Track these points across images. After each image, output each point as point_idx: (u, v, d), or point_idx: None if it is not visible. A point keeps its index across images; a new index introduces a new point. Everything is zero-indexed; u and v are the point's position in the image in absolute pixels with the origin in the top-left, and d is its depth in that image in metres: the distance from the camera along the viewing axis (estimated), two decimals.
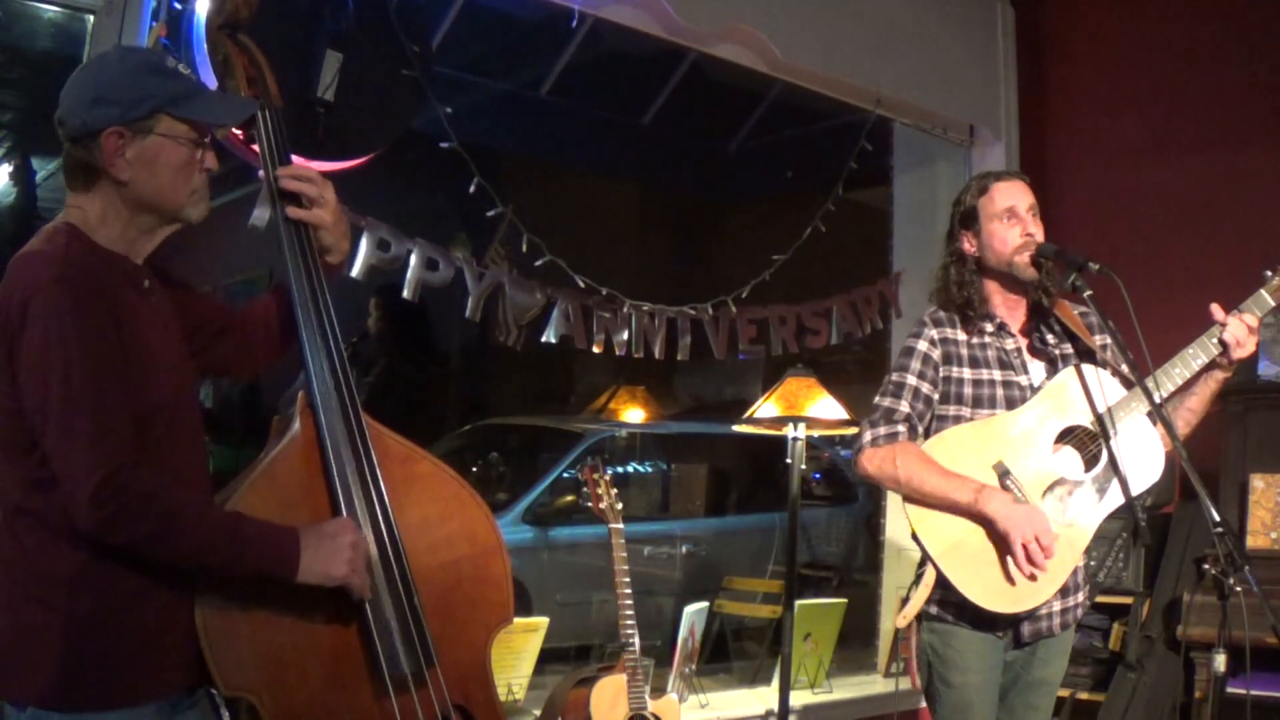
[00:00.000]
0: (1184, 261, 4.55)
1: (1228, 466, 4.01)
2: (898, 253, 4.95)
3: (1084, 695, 4.15)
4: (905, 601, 2.68)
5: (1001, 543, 2.51)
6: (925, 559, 2.61)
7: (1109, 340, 2.70)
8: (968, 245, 2.72)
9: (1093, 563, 4.26)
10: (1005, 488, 2.52)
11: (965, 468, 2.57)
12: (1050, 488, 2.56)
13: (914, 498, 2.58)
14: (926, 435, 2.68)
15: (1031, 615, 2.60)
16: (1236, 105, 4.60)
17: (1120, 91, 4.97)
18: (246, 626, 1.82)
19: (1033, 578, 2.49)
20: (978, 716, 2.59)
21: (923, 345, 2.68)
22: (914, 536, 2.61)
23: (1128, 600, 4.19)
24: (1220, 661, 2.36)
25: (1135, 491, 2.55)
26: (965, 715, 2.59)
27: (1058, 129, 5.13)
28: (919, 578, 2.64)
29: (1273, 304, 2.57)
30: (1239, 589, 2.25)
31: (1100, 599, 4.23)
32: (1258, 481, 3.89)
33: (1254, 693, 3.08)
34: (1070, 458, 2.61)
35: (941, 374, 2.67)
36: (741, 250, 7.71)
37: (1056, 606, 2.63)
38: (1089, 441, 2.59)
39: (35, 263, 1.73)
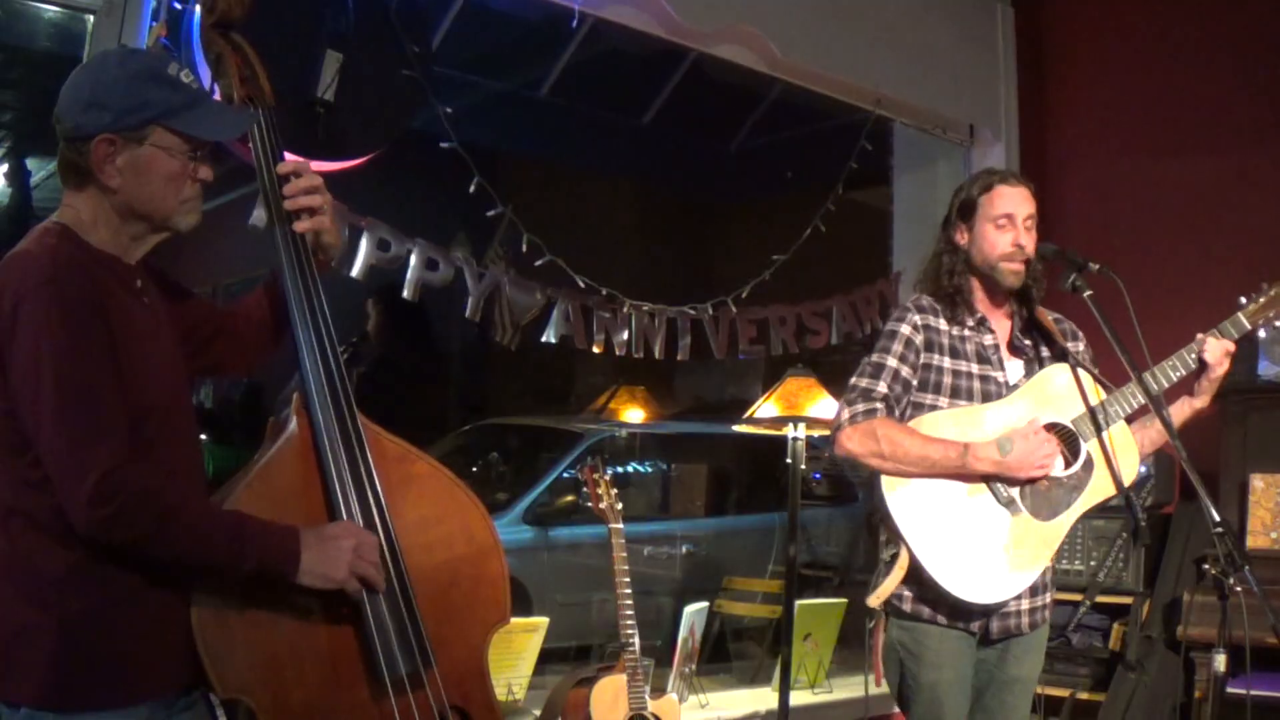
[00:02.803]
0: (1184, 261, 4.55)
1: (1228, 466, 4.00)
2: (898, 253, 4.94)
3: (1084, 695, 4.14)
4: (877, 584, 2.63)
5: (984, 523, 2.51)
6: (898, 541, 2.56)
7: (1080, 347, 2.72)
8: (960, 237, 2.73)
9: (1093, 563, 4.26)
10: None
11: None
12: (1028, 481, 2.56)
13: (897, 470, 2.53)
14: (902, 421, 2.64)
15: (1000, 611, 2.60)
16: (1236, 106, 4.60)
17: (1120, 91, 4.96)
18: (242, 628, 1.81)
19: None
20: (950, 714, 2.59)
21: (905, 329, 2.66)
22: (884, 518, 2.56)
23: (1128, 600, 4.17)
24: (1220, 661, 2.36)
25: (1109, 495, 2.57)
26: (938, 713, 2.58)
27: (1058, 129, 5.12)
28: (892, 558, 2.58)
29: (1249, 328, 2.59)
30: (1239, 589, 2.25)
31: (1100, 599, 4.22)
32: (1258, 481, 3.89)
33: (1254, 693, 3.06)
34: None
35: (922, 360, 2.65)
36: (741, 250, 7.71)
37: (1025, 605, 2.64)
38: (1066, 440, 2.59)
39: (25, 264, 1.73)
